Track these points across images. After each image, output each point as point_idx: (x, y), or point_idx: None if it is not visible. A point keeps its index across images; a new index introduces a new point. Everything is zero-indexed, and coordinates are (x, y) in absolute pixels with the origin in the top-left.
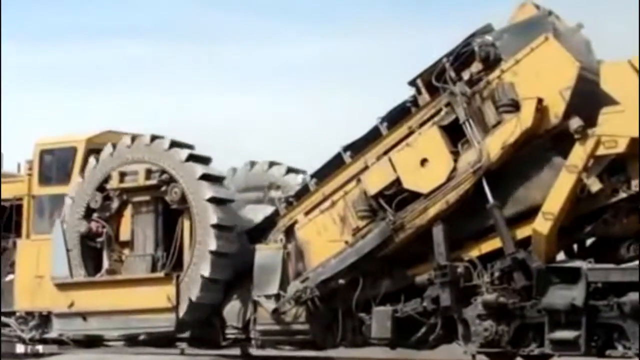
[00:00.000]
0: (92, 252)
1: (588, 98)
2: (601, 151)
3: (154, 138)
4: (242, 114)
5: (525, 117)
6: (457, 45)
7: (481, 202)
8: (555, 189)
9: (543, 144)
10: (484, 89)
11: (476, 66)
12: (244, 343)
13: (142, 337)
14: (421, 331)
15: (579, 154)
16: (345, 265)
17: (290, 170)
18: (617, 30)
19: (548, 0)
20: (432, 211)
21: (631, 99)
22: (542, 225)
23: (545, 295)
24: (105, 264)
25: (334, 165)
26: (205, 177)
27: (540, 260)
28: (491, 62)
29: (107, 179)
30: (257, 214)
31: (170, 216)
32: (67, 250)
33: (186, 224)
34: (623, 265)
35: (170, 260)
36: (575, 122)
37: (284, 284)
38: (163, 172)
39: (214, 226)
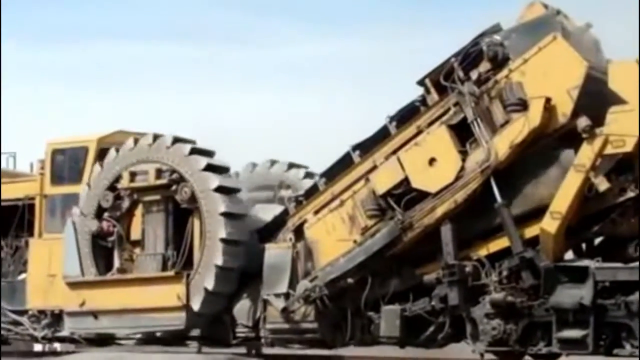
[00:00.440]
0: (103, 251)
1: (596, 97)
2: (609, 150)
3: (156, 137)
4: (242, 114)
5: (533, 117)
6: (466, 44)
7: (489, 201)
8: (563, 188)
9: (551, 143)
10: (492, 88)
11: (484, 66)
12: (252, 342)
13: (157, 335)
14: (430, 330)
15: (586, 153)
16: (354, 264)
17: (308, 174)
18: (616, 30)
19: None
20: (441, 210)
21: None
22: (550, 224)
23: (553, 294)
24: (116, 262)
25: (343, 164)
26: (210, 167)
27: (548, 260)
28: (499, 62)
29: (117, 179)
30: (267, 213)
31: (180, 215)
32: (77, 243)
33: (196, 222)
34: (631, 265)
35: (180, 259)
36: (583, 122)
37: (293, 282)
38: (173, 171)
39: (223, 214)
